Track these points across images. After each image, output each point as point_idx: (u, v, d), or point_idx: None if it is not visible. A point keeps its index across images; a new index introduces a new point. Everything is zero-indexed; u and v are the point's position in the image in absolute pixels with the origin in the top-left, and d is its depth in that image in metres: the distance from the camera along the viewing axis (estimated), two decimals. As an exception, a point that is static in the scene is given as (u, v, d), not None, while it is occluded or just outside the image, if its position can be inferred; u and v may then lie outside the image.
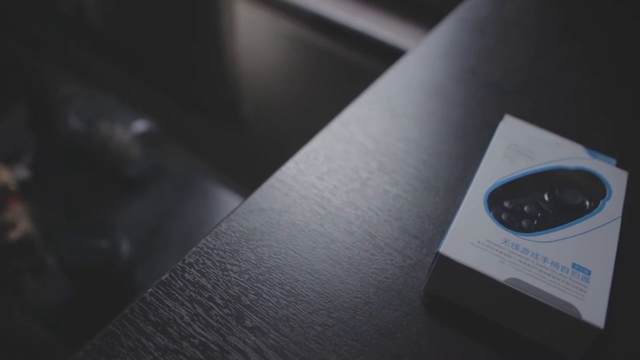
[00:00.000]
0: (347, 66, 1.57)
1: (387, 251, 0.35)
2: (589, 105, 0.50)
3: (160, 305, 0.32)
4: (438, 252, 0.31)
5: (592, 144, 0.46)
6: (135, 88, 1.53)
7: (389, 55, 1.56)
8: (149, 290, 0.32)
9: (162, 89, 1.53)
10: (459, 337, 0.32)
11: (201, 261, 0.34)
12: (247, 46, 1.64)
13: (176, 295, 0.32)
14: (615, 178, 0.38)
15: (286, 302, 0.32)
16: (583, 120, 0.48)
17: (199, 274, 0.33)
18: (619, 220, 0.35)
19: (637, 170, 0.44)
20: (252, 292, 0.33)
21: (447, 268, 0.31)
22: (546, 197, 0.36)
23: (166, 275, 0.33)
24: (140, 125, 1.17)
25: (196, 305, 0.32)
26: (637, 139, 0.47)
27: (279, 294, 0.33)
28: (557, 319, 0.30)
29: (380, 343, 0.31)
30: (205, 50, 1.64)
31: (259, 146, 1.41)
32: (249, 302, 0.32)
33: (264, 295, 0.32)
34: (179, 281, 0.33)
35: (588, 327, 0.30)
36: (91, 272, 0.93)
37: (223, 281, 0.33)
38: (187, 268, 0.34)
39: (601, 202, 0.37)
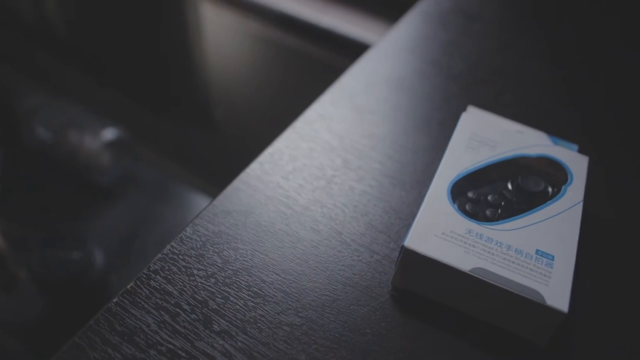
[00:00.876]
0: (316, 64, 1.57)
1: (354, 247, 0.35)
2: (551, 94, 0.50)
3: (126, 315, 0.31)
4: (403, 246, 0.31)
5: (555, 131, 0.47)
6: (103, 95, 1.51)
7: (357, 51, 1.56)
8: (114, 300, 0.32)
9: (131, 95, 1.51)
10: (427, 329, 0.32)
11: (167, 267, 0.34)
12: (215, 48, 1.63)
13: (142, 303, 0.32)
14: (577, 164, 0.39)
15: (254, 304, 0.32)
16: (545, 108, 0.49)
17: (164, 281, 0.33)
18: (581, 204, 0.36)
19: (600, 154, 0.45)
20: (219, 296, 0.32)
21: (413, 261, 0.32)
22: (509, 186, 0.37)
23: (131, 284, 0.33)
24: (109, 133, 1.15)
25: (163, 313, 0.31)
26: (599, 124, 0.48)
27: (246, 296, 0.32)
28: (523, 306, 0.30)
29: (349, 340, 0.31)
30: (173, 53, 1.63)
31: (232, 148, 1.40)
32: (216, 306, 0.32)
33: (231, 299, 0.32)
34: (144, 289, 0.32)
35: (553, 311, 0.30)
36: (64, 284, 0.92)
37: (189, 286, 0.33)
38: (153, 275, 0.33)
39: (563, 187, 0.37)
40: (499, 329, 0.32)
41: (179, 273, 0.33)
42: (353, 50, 1.57)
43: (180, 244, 0.35)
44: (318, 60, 1.58)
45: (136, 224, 1.14)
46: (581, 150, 0.45)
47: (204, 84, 1.55)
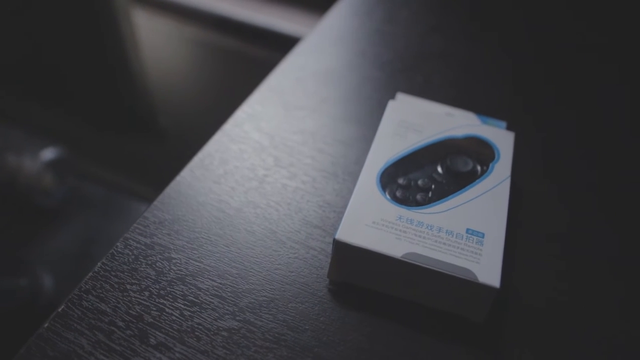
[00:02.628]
0: (256, 63, 1.56)
1: (289, 245, 0.35)
2: (479, 73, 0.51)
3: (59, 339, 0.30)
4: (334, 239, 0.31)
5: (485, 110, 0.47)
6: (41, 115, 1.47)
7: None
8: (45, 325, 0.31)
9: (70, 112, 1.47)
10: (367, 318, 0.32)
11: (99, 286, 0.33)
12: (152, 55, 1.60)
13: (75, 325, 0.31)
14: (503, 140, 0.39)
15: (190, 313, 0.31)
16: (474, 88, 0.50)
17: (97, 300, 0.32)
18: (508, 180, 0.36)
19: (528, 129, 0.46)
20: (154, 309, 0.32)
21: (345, 253, 0.32)
22: (439, 168, 0.37)
23: (62, 307, 0.32)
24: (49, 153, 1.12)
25: (97, 332, 0.31)
26: (525, 99, 0.49)
27: (182, 305, 0.32)
28: (457, 285, 0.31)
29: (289, 338, 0.30)
30: (110, 64, 1.59)
31: (181, 154, 1.38)
32: (151, 320, 0.31)
33: (167, 310, 0.32)
34: (76, 310, 0.32)
35: (485, 288, 0.30)
36: (12, 313, 0.89)
37: (123, 302, 0.32)
38: (85, 295, 0.32)
39: (491, 165, 0.38)
40: (438, 311, 0.33)
41: (112, 290, 0.32)
42: (292, 46, 1.57)
43: (112, 260, 0.34)
44: (257, 59, 1.57)
45: (86, 243, 1.11)
46: (510, 127, 0.46)
47: (145, 93, 1.52)
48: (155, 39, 1.64)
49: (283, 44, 1.57)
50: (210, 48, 1.60)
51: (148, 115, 1.47)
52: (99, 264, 0.34)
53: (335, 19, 0.57)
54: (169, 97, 1.50)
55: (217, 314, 0.31)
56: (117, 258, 0.34)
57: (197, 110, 1.48)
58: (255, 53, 1.58)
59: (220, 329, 0.31)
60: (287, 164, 0.40)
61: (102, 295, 0.32)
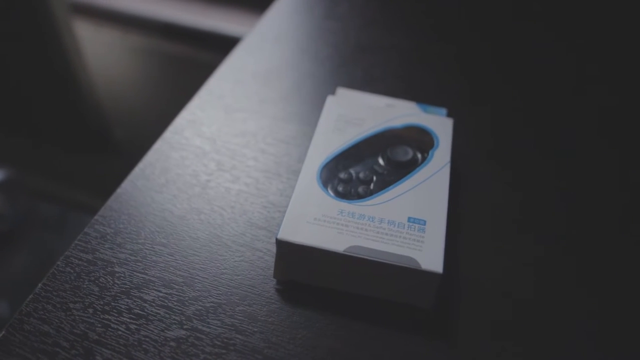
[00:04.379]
0: (205, 67, 1.55)
1: (235, 248, 0.35)
2: (420, 62, 0.52)
3: (1, 365, 0.29)
4: (276, 238, 0.31)
5: (426, 99, 0.48)
6: (-8, 136, 1.42)
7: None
8: (-14, 353, 0.30)
9: (20, 132, 1.44)
10: (316, 315, 0.32)
11: (40, 307, 0.32)
12: (99, 67, 1.57)
13: (17, 350, 0.30)
14: (442, 127, 0.40)
15: (136, 326, 0.31)
16: (414, 77, 0.50)
17: (39, 322, 0.31)
18: (448, 166, 0.37)
19: (469, 115, 0.46)
20: (99, 325, 0.31)
21: (289, 251, 0.31)
22: (380, 160, 0.37)
23: (2, 333, 0.31)
24: (-2, 175, 1.09)
25: (40, 355, 0.30)
26: (467, 84, 0.49)
27: (128, 319, 0.31)
28: (401, 274, 0.31)
29: (237, 342, 0.30)
30: (56, 80, 1.56)
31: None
32: (97, 337, 0.31)
33: (112, 325, 0.31)
34: (17, 335, 0.31)
35: (429, 274, 0.31)
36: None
37: (67, 322, 0.31)
38: (26, 319, 0.31)
39: (430, 152, 0.38)
40: (386, 302, 0.33)
41: (54, 310, 0.32)
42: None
43: (53, 280, 0.33)
44: (206, 63, 1.56)
45: (43, 265, 1.08)
46: (451, 113, 0.47)
47: (96, 106, 1.49)
48: (100, 50, 1.61)
49: (231, 45, 1.56)
50: (158, 55, 1.57)
51: (101, 128, 1.44)
52: (39, 285, 0.33)
53: (274, 18, 0.57)
54: (121, 109, 1.47)
55: (164, 325, 0.31)
56: (58, 277, 0.33)
57: (151, 119, 1.46)
58: (202, 57, 1.57)
59: (168, 339, 0.30)
60: (230, 167, 0.40)
61: (44, 316, 0.31)
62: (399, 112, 0.41)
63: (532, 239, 0.37)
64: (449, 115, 0.47)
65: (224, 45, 1.57)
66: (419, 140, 0.39)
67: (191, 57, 1.57)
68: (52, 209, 1.18)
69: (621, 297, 0.33)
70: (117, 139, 1.41)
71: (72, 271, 0.34)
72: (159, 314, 0.31)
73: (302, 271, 0.32)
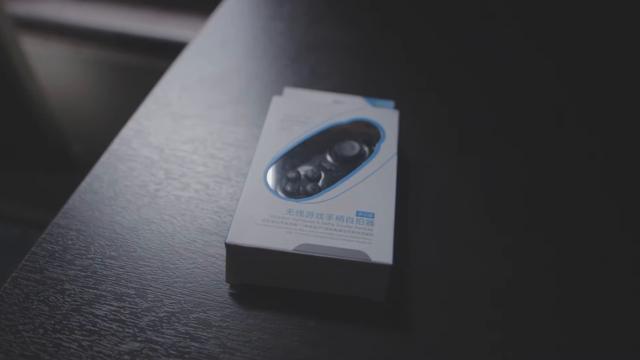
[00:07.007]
0: (159, 76, 1.53)
1: (187, 256, 0.35)
2: (366, 57, 0.52)
3: (-50, 395, 0.29)
4: (225, 242, 0.31)
5: (374, 93, 0.48)
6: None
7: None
8: None
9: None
10: (270, 316, 0.32)
11: (-11, 331, 0.31)
12: (51, 83, 1.54)
13: (-34, 377, 0.29)
14: (388, 119, 0.40)
15: (89, 343, 0.30)
16: (362, 73, 0.50)
17: (-12, 346, 0.30)
18: (395, 158, 0.37)
19: (415, 106, 0.47)
20: (51, 345, 0.30)
21: (239, 254, 0.31)
22: (328, 157, 0.37)
23: (-50, 360, 0.30)
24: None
25: (-9, 380, 0.29)
26: (414, 75, 0.50)
27: (80, 336, 0.31)
28: (352, 269, 0.31)
29: (192, 350, 0.30)
30: (9, 100, 1.52)
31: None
32: (48, 357, 0.30)
33: (64, 344, 0.30)
34: (-34, 361, 0.30)
35: (379, 267, 0.31)
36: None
37: (16, 345, 0.31)
38: (-26, 344, 0.31)
39: (377, 145, 0.38)
40: (340, 297, 0.33)
41: (3, 334, 0.31)
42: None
43: (1, 303, 0.32)
44: (161, 71, 1.54)
45: (9, 287, 1.05)
46: (399, 105, 0.47)
47: (51, 122, 1.46)
48: (50, 65, 1.57)
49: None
50: (110, 66, 1.55)
51: (58, 144, 1.42)
52: (-13, 309, 0.32)
53: (220, 21, 0.56)
54: (77, 123, 1.45)
55: (117, 339, 0.31)
56: (6, 300, 0.33)
57: (109, 131, 1.44)
58: (157, 65, 1.55)
59: (122, 352, 0.30)
60: (179, 174, 0.40)
61: (-7, 341, 0.31)
62: (346, 108, 0.41)
63: (483, 225, 0.37)
64: (396, 107, 0.47)
65: (178, 51, 1.56)
66: (366, 134, 0.39)
67: (145, 66, 1.55)
68: (10, 229, 1.16)
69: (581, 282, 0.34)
70: (76, 154, 1.39)
71: (20, 292, 0.33)
72: (112, 328, 0.31)
73: (254, 273, 0.32)
